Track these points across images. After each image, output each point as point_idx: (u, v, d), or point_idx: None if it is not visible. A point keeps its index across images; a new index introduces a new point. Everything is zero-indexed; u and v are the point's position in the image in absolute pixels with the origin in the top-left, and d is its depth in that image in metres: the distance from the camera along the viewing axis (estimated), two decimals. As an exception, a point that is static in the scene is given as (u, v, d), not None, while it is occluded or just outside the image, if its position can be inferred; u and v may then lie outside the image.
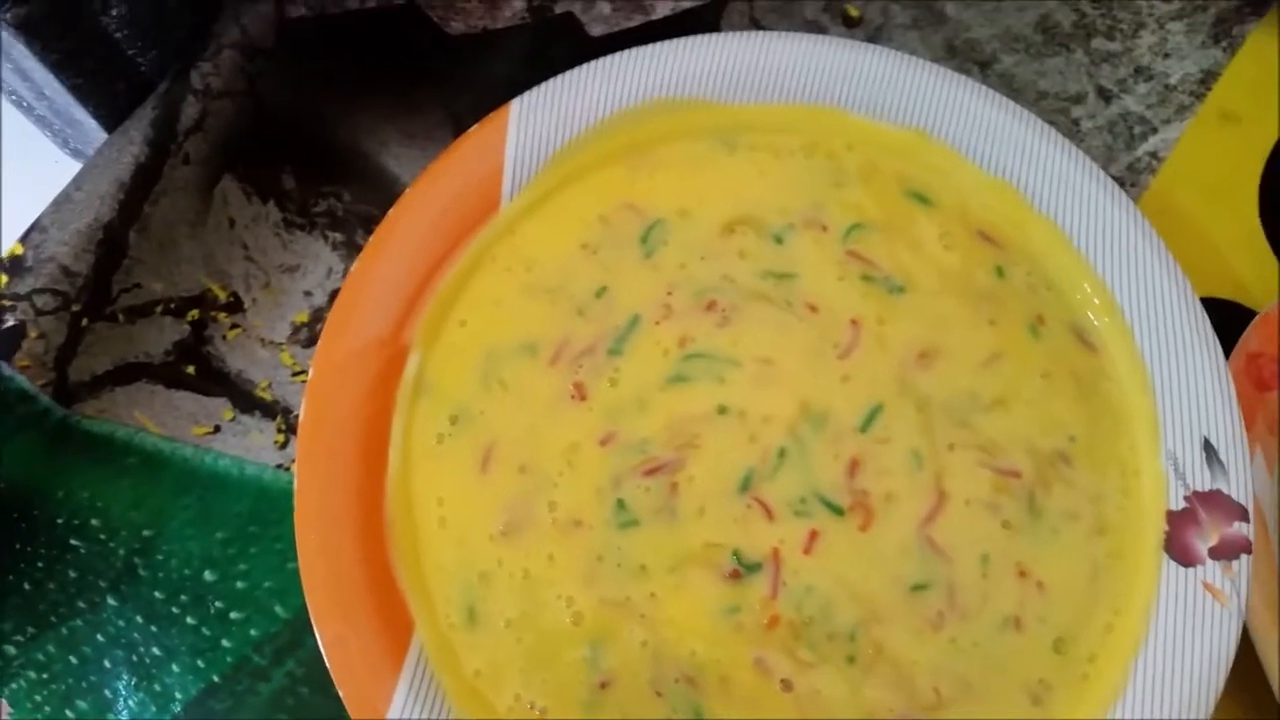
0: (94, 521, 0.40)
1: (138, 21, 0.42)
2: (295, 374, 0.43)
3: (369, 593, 0.35)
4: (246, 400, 0.42)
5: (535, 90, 0.41)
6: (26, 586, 0.39)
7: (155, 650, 0.39)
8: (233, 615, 0.39)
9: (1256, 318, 0.41)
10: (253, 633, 0.39)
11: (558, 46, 0.47)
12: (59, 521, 0.40)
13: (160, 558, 0.40)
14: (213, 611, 0.39)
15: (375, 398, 0.38)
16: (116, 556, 0.40)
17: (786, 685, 0.35)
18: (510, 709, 0.35)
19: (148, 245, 0.43)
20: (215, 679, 0.38)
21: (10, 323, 0.40)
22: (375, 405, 0.37)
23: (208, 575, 0.40)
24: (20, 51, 0.40)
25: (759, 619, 0.36)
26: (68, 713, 0.38)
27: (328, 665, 0.34)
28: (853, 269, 0.40)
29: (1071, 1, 0.50)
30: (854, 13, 0.49)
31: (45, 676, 0.38)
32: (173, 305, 0.43)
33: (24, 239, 0.41)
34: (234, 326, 0.43)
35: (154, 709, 0.38)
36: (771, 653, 0.35)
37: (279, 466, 0.41)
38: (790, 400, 0.38)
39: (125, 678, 0.38)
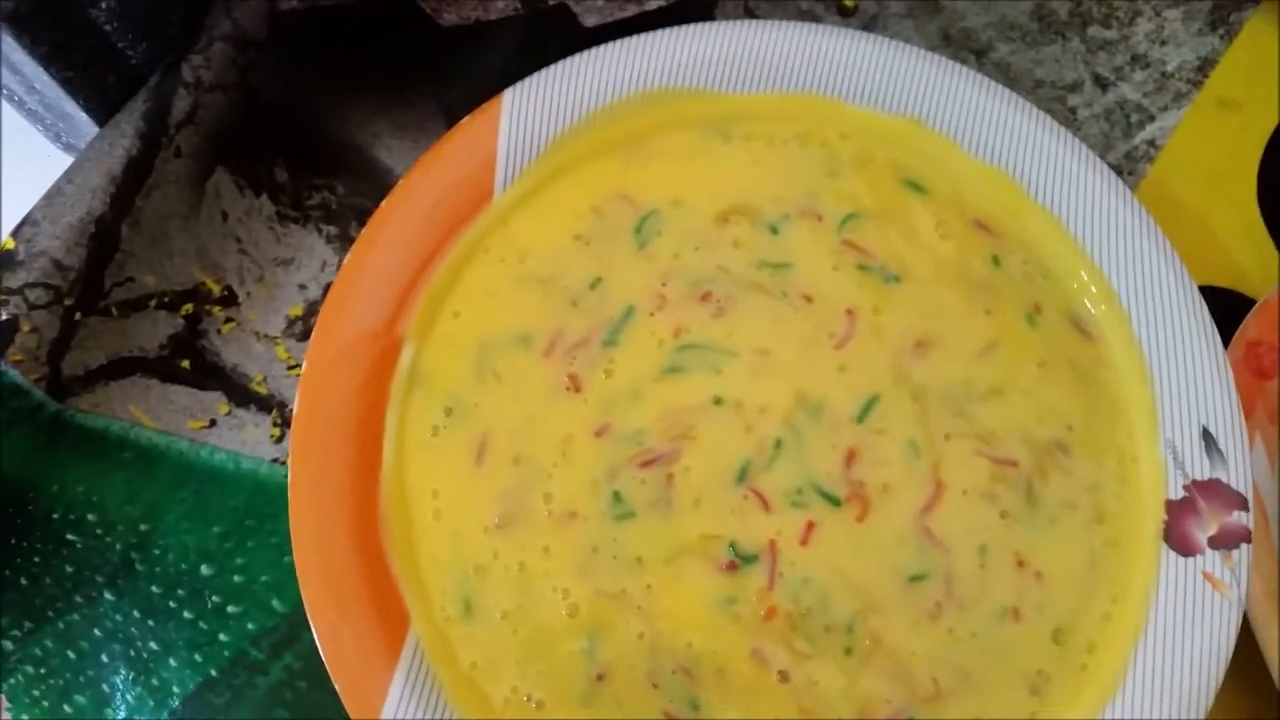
0: (90, 516, 0.40)
1: (128, 14, 0.42)
2: (290, 368, 0.43)
3: (364, 586, 0.35)
4: (242, 394, 0.42)
5: (528, 81, 0.41)
6: (23, 581, 0.39)
7: (152, 645, 0.38)
8: (230, 609, 0.39)
9: (1256, 305, 0.41)
10: (250, 627, 0.39)
11: (551, 38, 0.47)
12: (55, 516, 0.40)
13: (157, 552, 0.40)
14: (210, 606, 0.39)
15: (369, 390, 0.37)
16: (113, 551, 0.40)
17: (784, 676, 0.35)
18: (507, 701, 0.35)
19: (140, 239, 0.43)
20: (213, 673, 0.38)
21: (3, 317, 0.40)
22: (369, 398, 0.37)
23: (204, 569, 0.39)
24: (10, 45, 0.39)
25: (756, 610, 0.35)
26: (65, 708, 0.38)
27: (323, 659, 0.34)
28: (848, 258, 0.40)
29: (1068, -11, 0.50)
30: (849, 1, 0.49)
31: (43, 671, 0.38)
32: (166, 299, 0.43)
33: (15, 233, 0.41)
34: (228, 320, 0.43)
35: (152, 703, 0.38)
36: (769, 644, 0.35)
37: (275, 460, 0.41)
38: (786, 391, 0.38)
39: (123, 672, 0.38)
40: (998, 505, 0.37)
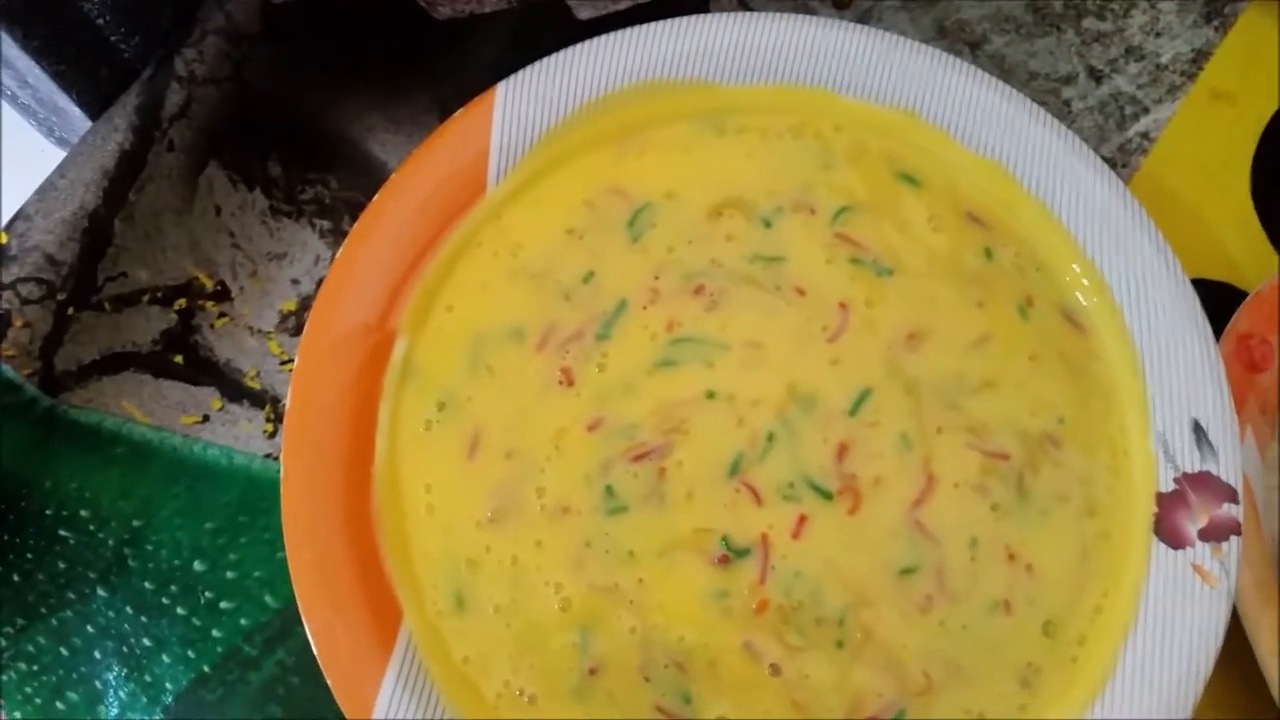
0: (83, 512, 0.40)
1: (120, 6, 0.41)
2: (283, 363, 0.43)
3: (357, 580, 0.35)
4: (235, 389, 0.42)
5: (521, 74, 0.41)
6: (15, 578, 0.39)
7: (146, 641, 0.38)
8: (223, 605, 0.39)
9: (1248, 298, 0.41)
10: (243, 622, 0.39)
11: (545, 30, 0.47)
12: (47, 512, 0.40)
13: (150, 548, 0.40)
14: (203, 601, 0.39)
15: (362, 384, 0.37)
16: (106, 547, 0.40)
17: (775, 670, 0.35)
18: (499, 695, 0.35)
19: (133, 233, 0.43)
20: (206, 669, 0.38)
21: (-5, 312, 0.40)
22: (362, 392, 0.37)
23: (197, 565, 0.39)
24: (2, 39, 0.39)
25: (748, 604, 0.35)
26: (58, 704, 0.38)
27: (316, 654, 0.34)
28: (841, 252, 0.40)
29: (1062, -19, 0.50)
30: (843, -6, 0.49)
31: (35, 668, 0.38)
32: (159, 294, 0.43)
33: (8, 228, 0.41)
34: (221, 315, 0.43)
35: (145, 700, 0.38)
36: (760, 637, 0.35)
37: (268, 456, 0.41)
38: (779, 384, 0.38)
39: (116, 669, 0.38)
40: (989, 498, 0.37)
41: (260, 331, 0.43)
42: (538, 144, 0.41)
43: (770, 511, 0.36)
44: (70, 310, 0.41)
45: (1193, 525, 0.36)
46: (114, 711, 0.37)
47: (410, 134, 0.46)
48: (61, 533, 0.40)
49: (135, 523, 0.40)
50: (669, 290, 0.39)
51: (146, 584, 0.39)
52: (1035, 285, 0.40)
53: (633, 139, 0.42)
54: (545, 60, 0.41)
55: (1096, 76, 0.48)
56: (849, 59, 0.42)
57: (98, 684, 0.38)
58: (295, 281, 0.44)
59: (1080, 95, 0.48)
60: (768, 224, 0.40)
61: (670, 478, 0.37)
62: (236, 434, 0.41)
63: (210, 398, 0.42)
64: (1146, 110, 0.47)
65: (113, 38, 0.43)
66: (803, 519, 0.36)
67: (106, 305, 0.42)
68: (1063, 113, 0.47)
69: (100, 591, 0.39)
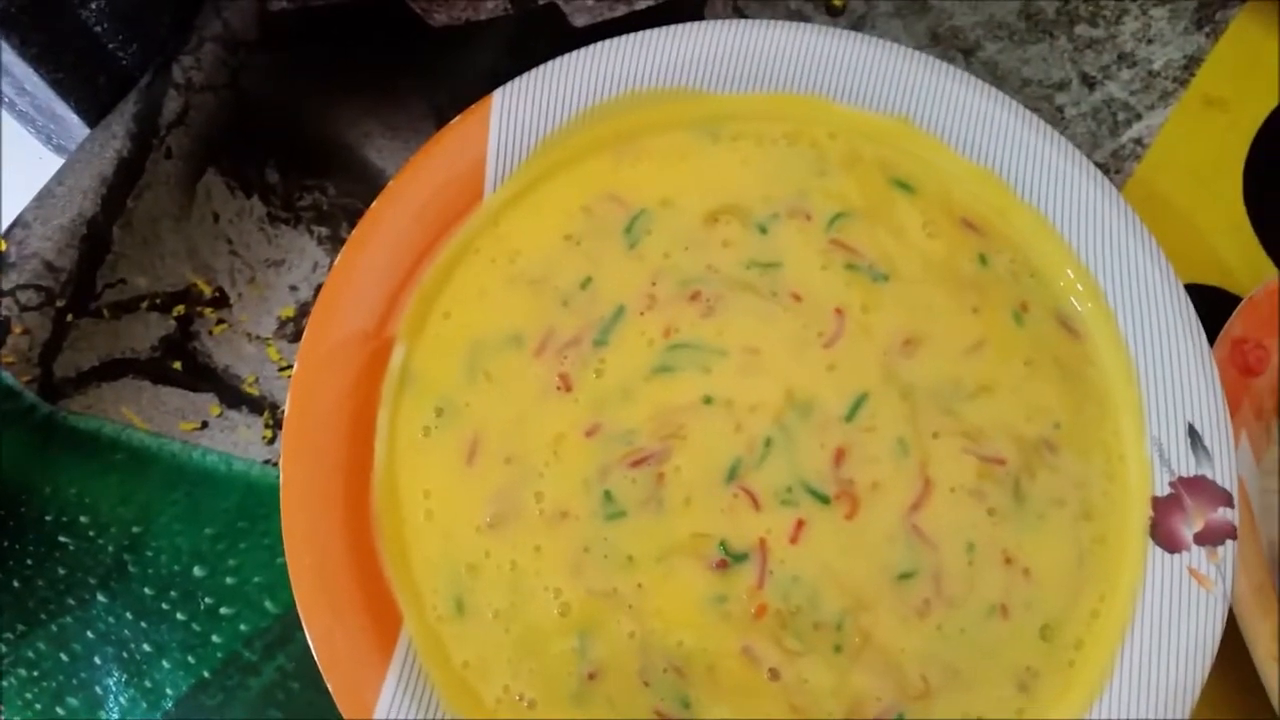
0: (82, 518, 0.40)
1: (118, 14, 0.42)
2: (282, 369, 0.43)
3: (356, 586, 0.35)
4: (233, 395, 0.42)
5: (517, 81, 0.41)
6: (15, 584, 0.39)
7: (145, 646, 0.39)
8: (222, 611, 0.39)
9: (1242, 303, 0.41)
10: (243, 628, 0.39)
11: (541, 38, 0.47)
12: (47, 518, 0.40)
13: (149, 554, 0.40)
14: (202, 607, 0.39)
15: (360, 391, 0.37)
16: (105, 553, 0.40)
17: (774, 674, 0.35)
18: (499, 700, 0.35)
19: (131, 240, 0.43)
20: (206, 675, 0.38)
21: (-6, 319, 0.40)
22: (361, 398, 0.37)
23: (197, 571, 0.40)
24: (1, 46, 0.39)
25: (746, 609, 0.36)
26: (58, 710, 0.38)
27: (316, 659, 0.34)
28: (836, 258, 0.40)
29: (1055, -12, 0.50)
30: (837, 1, 0.49)
31: (36, 674, 0.38)
32: (158, 301, 0.43)
33: (7, 235, 0.41)
34: (220, 322, 0.43)
35: (145, 705, 0.38)
36: (759, 642, 0.35)
37: (267, 462, 0.41)
38: (776, 390, 0.38)
39: (116, 674, 0.38)
40: (985, 503, 0.37)
41: (259, 338, 0.43)
42: (534, 151, 0.41)
43: (768, 516, 0.37)
44: (69, 317, 0.41)
45: (1188, 529, 0.36)
46: (114, 717, 0.37)
47: (407, 141, 0.46)
48: (61, 539, 0.40)
49: (135, 529, 0.40)
50: (666, 296, 0.39)
51: (146, 590, 0.39)
52: (1030, 291, 0.40)
53: (629, 146, 0.42)
54: (542, 67, 0.41)
55: (1089, 83, 0.48)
56: (843, 66, 0.42)
57: (98, 689, 0.38)
58: (293, 288, 0.44)
59: (1073, 101, 0.48)
60: (763, 230, 0.41)
61: (668, 483, 0.37)
62: (235, 440, 0.42)
63: (209, 404, 0.42)
64: (1139, 116, 0.48)
65: (111, 45, 0.43)
66: (800, 524, 0.36)
67: (105, 312, 0.42)
68: (1056, 119, 0.48)
69: (100, 597, 0.39)
